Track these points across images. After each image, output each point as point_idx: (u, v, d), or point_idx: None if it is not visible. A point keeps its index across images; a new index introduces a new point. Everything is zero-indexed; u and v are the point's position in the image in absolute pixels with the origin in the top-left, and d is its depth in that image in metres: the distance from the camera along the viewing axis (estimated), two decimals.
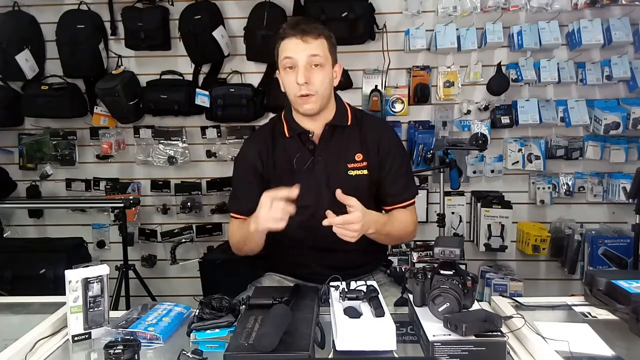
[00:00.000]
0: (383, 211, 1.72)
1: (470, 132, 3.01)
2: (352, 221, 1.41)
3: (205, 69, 3.12)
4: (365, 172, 1.65)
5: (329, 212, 1.43)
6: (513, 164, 3.05)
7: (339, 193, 1.44)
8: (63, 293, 1.29)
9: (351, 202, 1.43)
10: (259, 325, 1.15)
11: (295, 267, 1.72)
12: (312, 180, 1.62)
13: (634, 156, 2.99)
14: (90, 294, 1.29)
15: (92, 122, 3.14)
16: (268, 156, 1.67)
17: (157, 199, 3.24)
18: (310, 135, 1.65)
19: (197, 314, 1.27)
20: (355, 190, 1.60)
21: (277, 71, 1.66)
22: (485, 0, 2.85)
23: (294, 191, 1.41)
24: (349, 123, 1.68)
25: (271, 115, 3.01)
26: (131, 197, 2.91)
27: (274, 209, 1.40)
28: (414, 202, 1.73)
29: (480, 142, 2.77)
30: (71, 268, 1.30)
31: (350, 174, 1.64)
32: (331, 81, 1.62)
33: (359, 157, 1.65)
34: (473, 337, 1.09)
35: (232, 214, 1.74)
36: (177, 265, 3.14)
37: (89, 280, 1.28)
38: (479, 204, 3.01)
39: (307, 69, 1.54)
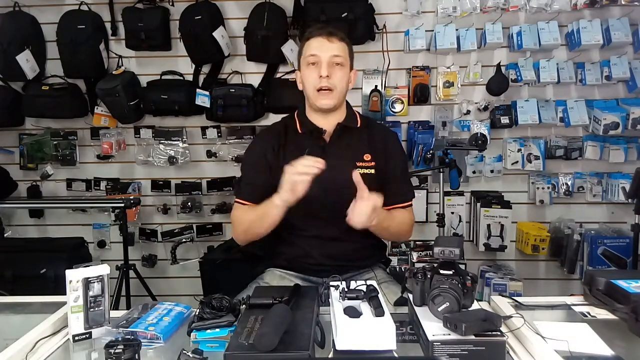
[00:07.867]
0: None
1: (470, 132, 3.01)
2: (366, 192, 1.49)
3: (205, 69, 3.12)
4: (372, 171, 1.74)
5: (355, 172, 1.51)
6: (512, 164, 3.06)
7: (355, 174, 1.51)
8: (64, 293, 1.29)
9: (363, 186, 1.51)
10: (259, 325, 1.15)
11: (298, 259, 1.75)
12: (320, 173, 1.63)
13: (633, 156, 2.99)
14: (90, 293, 1.29)
15: (92, 122, 3.14)
16: (279, 148, 1.76)
17: (158, 199, 3.25)
18: (323, 132, 1.74)
19: (197, 313, 1.27)
20: None
21: (296, 71, 1.81)
22: (484, 0, 2.85)
23: (320, 160, 1.48)
24: (358, 125, 1.81)
25: (271, 115, 3.04)
26: (132, 197, 2.91)
27: (299, 167, 1.49)
28: (411, 204, 1.84)
29: (479, 142, 2.78)
30: (72, 268, 1.30)
31: (359, 171, 1.68)
32: (348, 82, 1.75)
33: (367, 157, 1.76)
34: (473, 337, 1.09)
35: (237, 200, 1.78)
36: (178, 265, 3.14)
37: (89, 280, 1.29)
38: (478, 204, 3.01)
39: (329, 65, 1.68)
